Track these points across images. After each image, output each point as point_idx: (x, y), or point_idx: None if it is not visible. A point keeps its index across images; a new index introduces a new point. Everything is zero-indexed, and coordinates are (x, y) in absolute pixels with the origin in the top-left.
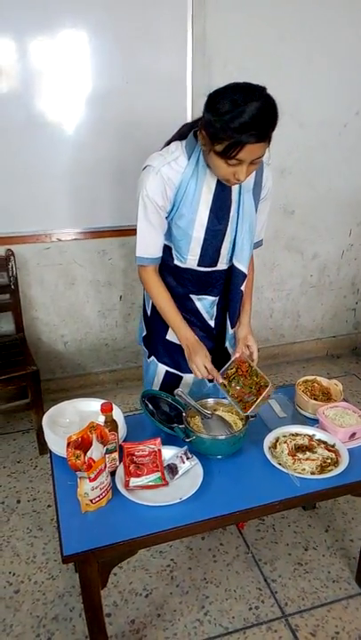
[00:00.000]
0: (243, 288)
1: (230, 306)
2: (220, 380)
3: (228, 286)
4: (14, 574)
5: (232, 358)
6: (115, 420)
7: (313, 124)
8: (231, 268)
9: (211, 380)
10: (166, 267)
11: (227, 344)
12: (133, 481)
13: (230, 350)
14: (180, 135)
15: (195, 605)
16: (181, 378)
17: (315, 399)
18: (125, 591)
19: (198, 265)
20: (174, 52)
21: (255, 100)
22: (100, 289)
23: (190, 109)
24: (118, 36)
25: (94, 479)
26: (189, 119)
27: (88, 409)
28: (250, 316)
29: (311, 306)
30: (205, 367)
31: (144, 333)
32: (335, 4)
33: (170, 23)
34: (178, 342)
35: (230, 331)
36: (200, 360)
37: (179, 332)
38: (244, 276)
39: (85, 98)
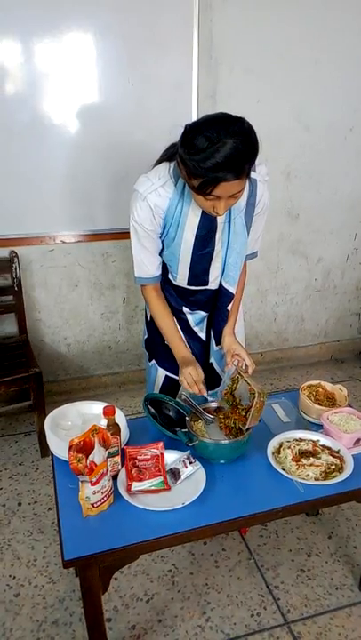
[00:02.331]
0: (229, 308)
1: (215, 323)
2: (205, 394)
3: (216, 304)
4: (14, 577)
5: (223, 377)
6: (117, 424)
7: (319, 127)
8: (220, 287)
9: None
10: (165, 278)
11: (212, 359)
12: (135, 485)
13: (216, 366)
14: (169, 156)
15: (196, 611)
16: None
17: (319, 404)
18: (126, 596)
19: (188, 284)
20: (180, 54)
21: (230, 138)
22: (103, 291)
23: (195, 112)
24: (124, 38)
25: (96, 483)
26: None
27: (90, 412)
28: (233, 327)
29: (315, 310)
30: (191, 376)
31: (146, 336)
32: (342, 8)
33: (176, 26)
34: None
35: (215, 347)
36: (189, 371)
37: (176, 349)
38: (232, 296)
39: (91, 100)
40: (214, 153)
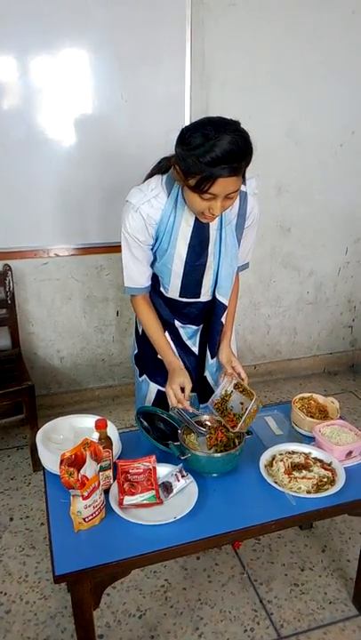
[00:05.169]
0: (223, 319)
1: (210, 336)
2: (190, 410)
3: (210, 317)
4: (6, 594)
5: (221, 384)
6: (109, 437)
7: (310, 143)
8: (213, 299)
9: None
10: (156, 290)
11: (206, 373)
12: (127, 499)
13: (210, 379)
14: (160, 169)
15: (189, 627)
16: None
17: (311, 417)
18: (119, 612)
19: (180, 296)
20: (173, 71)
21: (227, 134)
22: (96, 304)
23: None
24: (118, 55)
25: (87, 497)
26: None
27: (83, 425)
28: (230, 340)
29: (308, 322)
30: (175, 395)
31: (135, 351)
32: (333, 25)
33: (168, 43)
34: None
35: (210, 361)
36: (175, 386)
37: (165, 357)
38: (225, 307)
39: (85, 116)
40: (213, 147)
